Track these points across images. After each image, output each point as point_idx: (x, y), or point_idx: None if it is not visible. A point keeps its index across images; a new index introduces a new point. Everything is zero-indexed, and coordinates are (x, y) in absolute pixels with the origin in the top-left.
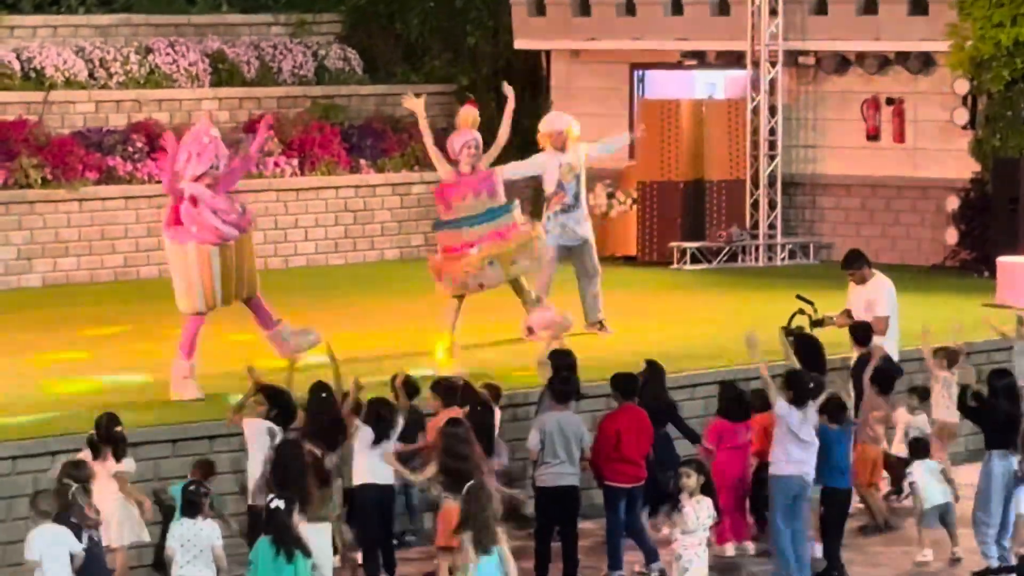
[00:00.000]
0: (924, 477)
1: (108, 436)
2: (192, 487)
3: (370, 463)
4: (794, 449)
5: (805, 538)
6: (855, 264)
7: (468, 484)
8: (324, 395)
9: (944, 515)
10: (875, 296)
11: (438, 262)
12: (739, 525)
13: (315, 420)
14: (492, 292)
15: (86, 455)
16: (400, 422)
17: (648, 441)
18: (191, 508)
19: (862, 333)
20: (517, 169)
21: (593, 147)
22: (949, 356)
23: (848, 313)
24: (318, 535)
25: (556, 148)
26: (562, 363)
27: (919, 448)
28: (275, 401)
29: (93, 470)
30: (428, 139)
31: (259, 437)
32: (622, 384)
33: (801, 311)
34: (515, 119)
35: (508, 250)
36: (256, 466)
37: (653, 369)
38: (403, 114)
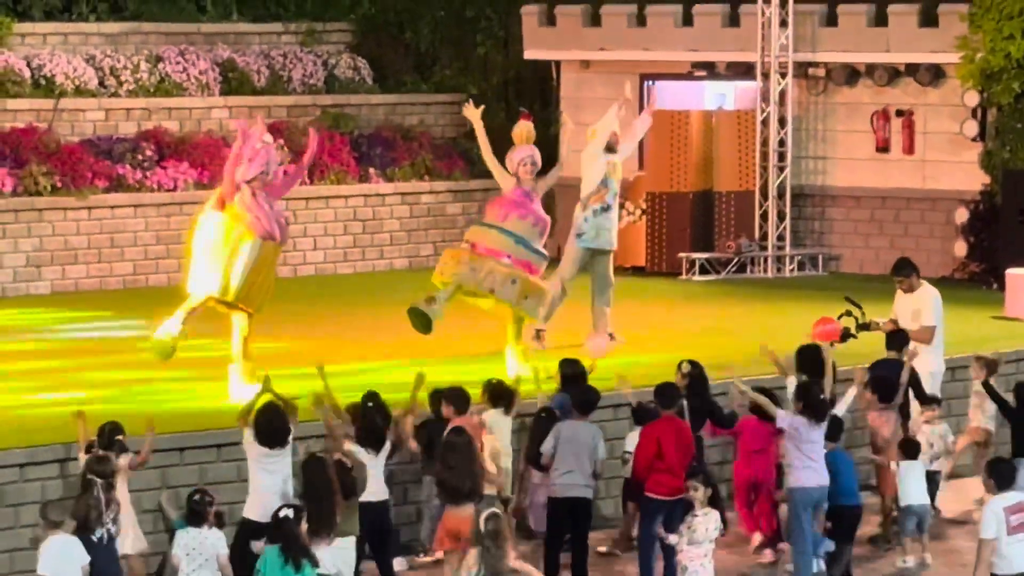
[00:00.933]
0: (908, 477)
1: (109, 445)
2: (196, 496)
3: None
4: (811, 459)
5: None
6: (904, 271)
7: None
8: (370, 404)
9: (920, 522)
10: (922, 305)
11: (462, 251)
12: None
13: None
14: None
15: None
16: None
17: (689, 452)
18: (196, 517)
19: (896, 341)
20: (588, 175)
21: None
22: (988, 365)
23: (895, 322)
24: (344, 549)
25: (610, 149)
26: (571, 372)
27: (910, 449)
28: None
29: (117, 465)
30: (486, 150)
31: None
32: (661, 393)
33: (848, 313)
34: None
35: (530, 283)
36: (256, 479)
37: (697, 369)
38: (412, 123)
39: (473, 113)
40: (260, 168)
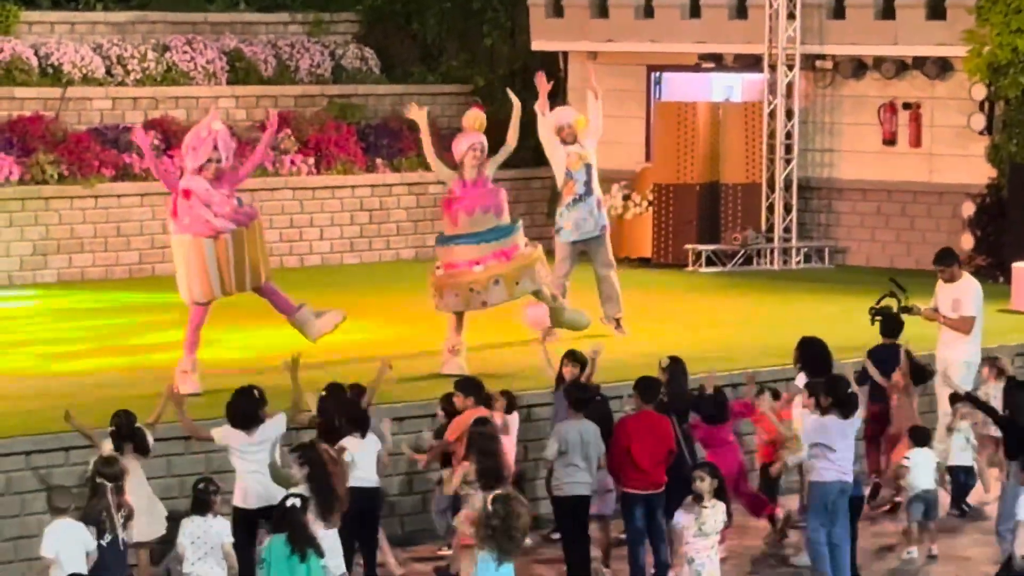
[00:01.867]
0: (917, 465)
1: (130, 433)
2: (202, 485)
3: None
4: (831, 454)
5: (847, 542)
6: (946, 261)
7: (498, 492)
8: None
9: (928, 510)
10: (962, 296)
11: (440, 278)
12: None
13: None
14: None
15: (107, 447)
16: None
17: (665, 447)
18: (201, 506)
19: (887, 326)
20: (553, 166)
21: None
22: (999, 364)
23: (935, 309)
24: (330, 537)
25: (565, 142)
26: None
27: (919, 436)
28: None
29: (125, 466)
30: (428, 148)
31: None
32: (641, 388)
33: (892, 294)
34: (528, 121)
35: (512, 270)
36: (236, 466)
37: (676, 365)
38: None
39: (418, 114)
40: (206, 155)
